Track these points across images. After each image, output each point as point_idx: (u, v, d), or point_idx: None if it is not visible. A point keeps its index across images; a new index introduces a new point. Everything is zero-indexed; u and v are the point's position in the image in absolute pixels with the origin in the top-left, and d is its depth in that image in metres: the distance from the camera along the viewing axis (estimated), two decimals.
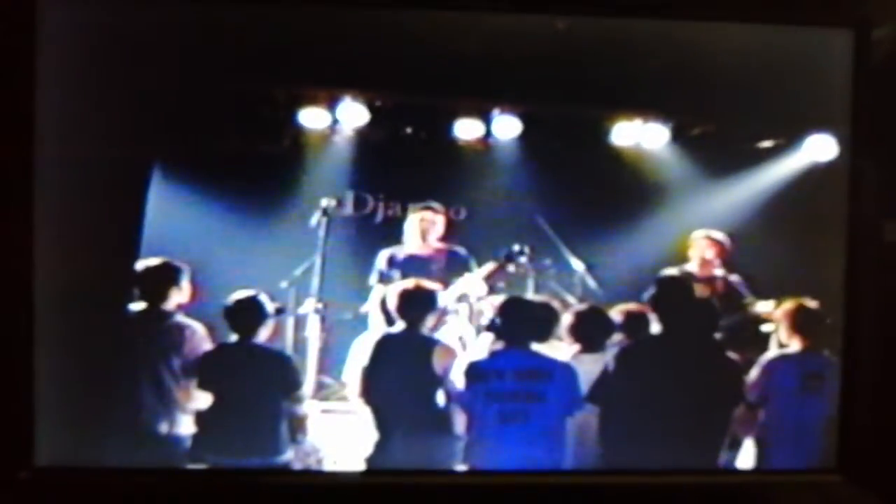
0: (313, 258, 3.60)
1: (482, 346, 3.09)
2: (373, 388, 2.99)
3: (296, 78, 3.33)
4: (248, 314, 2.99)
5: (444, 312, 3.24)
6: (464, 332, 3.53)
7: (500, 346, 3.01)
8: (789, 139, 3.48)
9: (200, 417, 2.97)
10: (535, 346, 2.97)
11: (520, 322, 3.02)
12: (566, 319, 3.10)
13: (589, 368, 2.97)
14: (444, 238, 3.71)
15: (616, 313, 3.17)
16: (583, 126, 3.73)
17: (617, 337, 3.11)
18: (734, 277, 3.62)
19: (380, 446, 2.95)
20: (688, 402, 2.98)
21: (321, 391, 3.48)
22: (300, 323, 3.55)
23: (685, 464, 2.99)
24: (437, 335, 3.08)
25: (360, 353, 3.06)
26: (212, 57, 2.95)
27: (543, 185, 3.74)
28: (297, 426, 3.03)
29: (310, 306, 3.54)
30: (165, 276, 3.04)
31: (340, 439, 3.13)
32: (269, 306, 3.03)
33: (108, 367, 2.91)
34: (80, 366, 2.85)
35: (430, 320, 3.03)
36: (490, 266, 3.62)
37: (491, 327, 3.07)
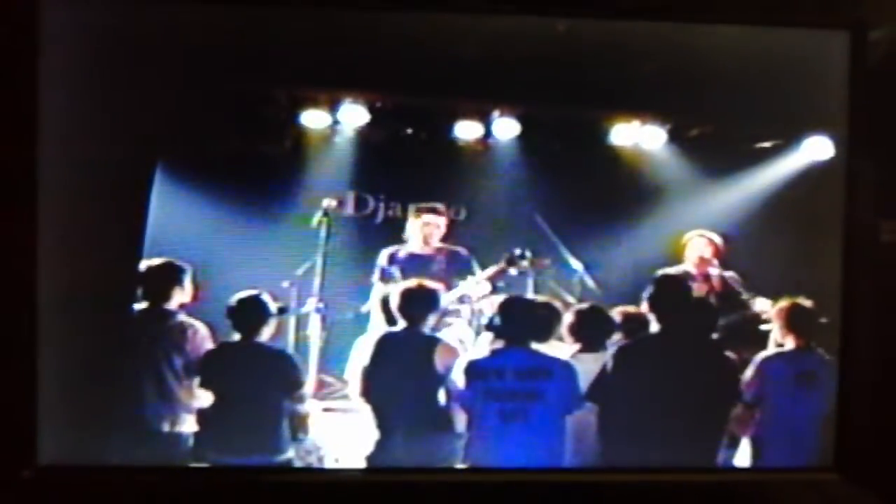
0: (314, 258, 3.62)
1: (483, 345, 3.11)
2: (374, 386, 3.01)
3: (297, 79, 3.34)
4: (251, 313, 3.01)
5: (446, 313, 3.25)
6: (464, 332, 3.55)
7: (500, 345, 3.03)
8: (786, 140, 3.50)
9: (202, 416, 2.99)
10: (536, 346, 2.99)
11: (520, 321, 3.04)
12: (567, 319, 3.12)
13: (589, 368, 2.98)
14: (446, 238, 3.73)
15: (615, 314, 3.20)
16: (582, 127, 3.74)
17: (617, 336, 3.13)
18: (731, 276, 3.64)
19: (381, 444, 2.96)
20: (686, 401, 3.00)
21: (322, 390, 3.49)
22: (301, 322, 3.56)
23: (684, 462, 3.00)
24: (439, 334, 3.10)
25: (361, 351, 3.07)
26: (214, 59, 2.96)
27: (543, 186, 3.75)
28: (299, 424, 3.04)
29: (311, 305, 3.56)
30: (168, 276, 3.06)
31: (342, 437, 3.14)
32: (272, 306, 3.05)
33: (111, 366, 2.91)
34: (82, 365, 2.86)
35: (431, 320, 3.06)
36: (492, 269, 3.64)
37: (491, 326, 3.09)
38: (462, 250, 3.69)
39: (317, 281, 3.60)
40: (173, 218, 3.34)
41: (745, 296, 3.57)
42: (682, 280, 3.53)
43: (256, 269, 3.44)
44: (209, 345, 3.03)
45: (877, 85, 2.97)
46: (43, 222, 2.77)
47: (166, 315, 3.04)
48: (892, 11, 3.02)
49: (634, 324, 3.14)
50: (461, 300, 3.65)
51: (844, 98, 2.97)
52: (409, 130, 3.75)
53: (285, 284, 3.54)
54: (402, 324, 3.05)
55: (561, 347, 3.09)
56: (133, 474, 2.91)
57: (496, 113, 3.70)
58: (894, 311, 3.04)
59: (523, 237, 3.69)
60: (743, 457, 3.11)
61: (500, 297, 3.31)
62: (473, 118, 3.71)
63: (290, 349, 3.43)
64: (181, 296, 3.07)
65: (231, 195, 3.49)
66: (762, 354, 3.11)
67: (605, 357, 3.00)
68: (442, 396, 2.98)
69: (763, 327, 3.28)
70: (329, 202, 3.63)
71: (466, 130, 3.72)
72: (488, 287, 3.66)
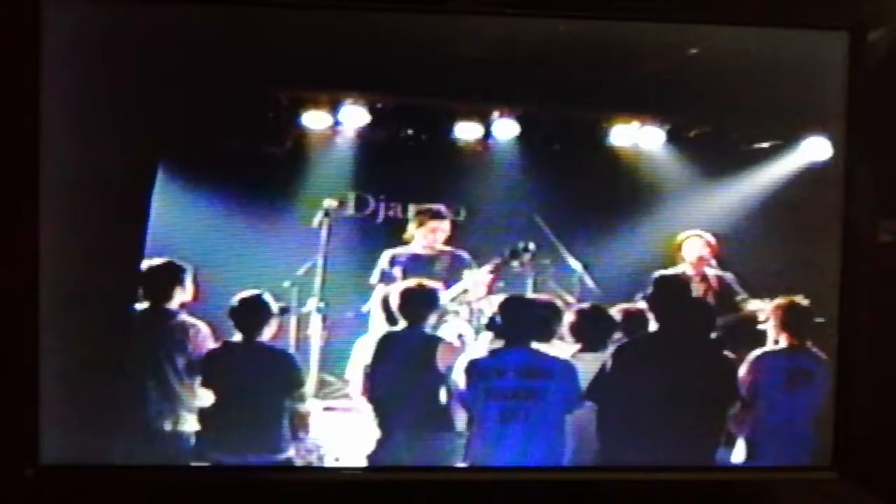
0: (315, 258, 3.63)
1: (483, 344, 3.12)
2: (375, 385, 3.02)
3: (298, 81, 3.35)
4: (253, 313, 3.03)
5: (445, 312, 3.26)
6: (463, 331, 3.55)
7: (501, 344, 3.04)
8: (785, 140, 3.50)
9: (204, 415, 3.00)
10: (537, 345, 3.00)
11: (521, 321, 3.05)
12: (568, 318, 3.13)
13: (591, 367, 3.00)
14: (447, 240, 3.74)
15: (615, 312, 3.21)
16: (582, 128, 3.74)
17: (617, 335, 3.14)
18: (728, 276, 3.65)
19: (382, 443, 2.97)
20: (685, 400, 3.01)
21: (323, 389, 3.50)
22: (302, 322, 3.57)
23: (683, 461, 3.02)
24: (439, 333, 3.11)
25: (362, 351, 3.09)
26: (215, 59, 2.97)
27: (543, 186, 3.75)
28: (299, 423, 3.05)
29: (312, 305, 3.57)
30: (169, 276, 3.07)
31: (343, 437, 3.15)
32: (274, 306, 3.06)
33: (113, 365, 2.92)
34: (84, 364, 2.87)
35: (431, 319, 3.07)
36: (494, 262, 3.65)
37: (492, 326, 3.10)
38: (464, 253, 3.70)
39: (318, 281, 3.61)
40: (174, 217, 3.34)
41: (742, 295, 3.58)
42: (681, 280, 3.54)
43: (258, 268, 3.43)
44: (211, 344, 3.04)
45: (876, 85, 2.98)
46: (44, 222, 2.79)
47: (168, 314, 3.05)
48: (892, 11, 3.04)
49: (634, 322, 3.15)
50: (461, 300, 3.65)
51: (843, 99, 2.98)
52: (410, 131, 3.75)
53: (286, 284, 3.55)
54: (402, 323, 3.06)
55: (562, 347, 3.09)
56: (135, 473, 2.92)
57: (496, 113, 3.70)
58: (893, 311, 3.06)
59: (523, 237, 3.69)
60: (738, 455, 3.12)
61: (501, 297, 3.32)
62: (473, 119, 3.71)
63: (292, 349, 3.43)
64: (182, 295, 3.08)
65: (232, 195, 3.48)
66: (755, 353, 3.12)
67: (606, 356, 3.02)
68: (443, 395, 2.99)
69: (760, 326, 3.28)
70: (330, 202, 3.64)
71: (466, 131, 3.72)
72: (488, 279, 3.66)
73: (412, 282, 3.14)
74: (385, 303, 3.16)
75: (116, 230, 2.92)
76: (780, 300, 3.18)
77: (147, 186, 3.08)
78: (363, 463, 3.00)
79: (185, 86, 2.99)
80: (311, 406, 3.15)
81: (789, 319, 3.14)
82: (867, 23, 3.01)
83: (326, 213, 3.64)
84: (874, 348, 3.06)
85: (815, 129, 3.24)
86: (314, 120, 3.58)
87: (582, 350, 3.09)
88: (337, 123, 3.63)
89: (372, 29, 2.94)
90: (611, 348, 3.06)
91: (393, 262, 3.67)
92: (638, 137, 3.79)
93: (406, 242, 3.73)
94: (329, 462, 3.09)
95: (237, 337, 3.03)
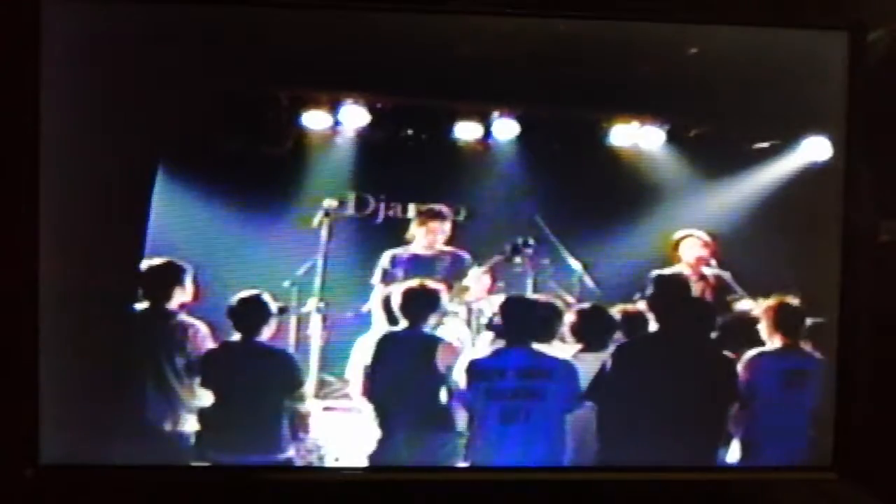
0: (315, 258, 3.64)
1: (484, 344, 3.12)
2: (376, 385, 3.02)
3: (298, 81, 3.35)
4: (252, 313, 3.03)
5: (444, 313, 3.26)
6: (461, 330, 3.55)
7: (501, 344, 3.04)
8: (785, 140, 3.50)
9: (203, 415, 3.00)
10: (538, 346, 3.00)
11: (522, 321, 3.05)
12: (569, 318, 3.13)
13: (592, 367, 3.00)
14: (449, 241, 3.75)
15: (615, 312, 3.21)
16: (581, 127, 3.75)
17: (618, 335, 3.14)
18: (727, 275, 3.66)
19: (382, 443, 2.97)
20: (684, 400, 3.01)
21: (323, 389, 3.51)
22: (302, 322, 3.58)
23: (682, 461, 3.02)
24: (439, 333, 3.11)
25: (363, 351, 3.09)
26: (215, 59, 2.97)
27: (542, 186, 3.75)
28: (299, 423, 3.06)
29: (312, 305, 3.57)
30: (169, 276, 3.07)
31: (343, 437, 3.15)
32: (273, 305, 3.06)
33: (113, 365, 2.92)
34: (84, 364, 2.87)
35: (432, 319, 3.07)
36: (495, 259, 3.65)
37: (492, 326, 3.11)
38: (464, 254, 3.71)
39: (318, 281, 3.62)
40: (174, 218, 3.34)
41: (739, 294, 3.58)
42: (682, 280, 3.54)
43: (257, 268, 3.44)
44: (210, 344, 3.04)
45: (876, 85, 2.98)
46: (44, 222, 2.79)
47: (167, 315, 3.05)
48: (892, 11, 3.04)
49: (634, 322, 3.15)
50: (460, 300, 3.66)
51: (843, 99, 2.98)
52: (410, 131, 3.75)
53: (286, 284, 3.56)
54: (403, 323, 3.06)
55: (563, 347, 3.10)
56: (134, 473, 2.92)
57: (496, 113, 3.71)
58: (892, 311, 3.06)
59: (523, 237, 3.70)
60: (737, 455, 3.12)
61: (501, 298, 3.32)
62: (473, 119, 3.71)
63: (291, 349, 3.44)
64: (182, 295, 3.08)
65: (232, 195, 3.49)
66: (750, 353, 3.13)
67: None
68: (443, 395, 3.00)
69: (759, 326, 3.28)
70: (330, 202, 3.65)
71: (466, 131, 3.73)
72: (488, 281, 3.67)
73: (414, 282, 3.14)
74: (386, 303, 3.16)
75: (116, 230, 2.92)
76: (771, 300, 3.18)
77: (147, 186, 3.08)
78: (363, 463, 3.00)
79: (185, 86, 2.98)
80: (311, 406, 3.15)
81: (781, 320, 3.14)
82: (867, 23, 3.01)
83: (326, 213, 3.65)
84: (874, 348, 3.07)
85: (815, 129, 3.24)
86: (314, 120, 3.58)
87: (583, 350, 3.09)
88: (337, 123, 3.63)
89: (372, 29, 2.94)
90: (612, 348, 3.06)
91: (393, 262, 3.67)
92: (638, 137, 3.79)
93: (407, 242, 3.73)
94: (329, 462, 3.09)
95: (236, 337, 3.02)
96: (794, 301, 3.15)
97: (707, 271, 3.71)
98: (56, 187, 2.81)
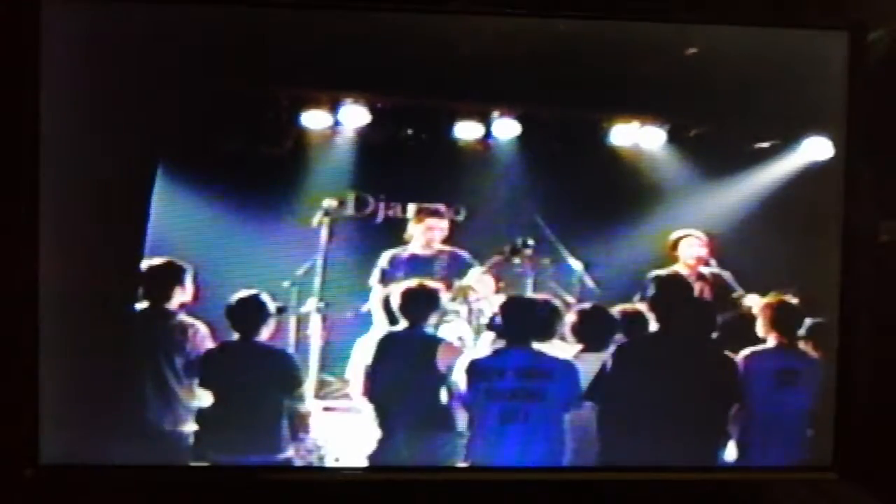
0: (315, 258, 3.64)
1: (484, 344, 3.12)
2: (376, 385, 3.02)
3: (298, 81, 3.35)
4: (250, 313, 3.02)
5: (445, 313, 3.27)
6: (463, 329, 3.56)
7: (501, 344, 3.04)
8: (786, 140, 3.50)
9: (202, 415, 3.00)
10: (538, 346, 3.00)
11: (521, 321, 3.05)
12: (570, 318, 3.13)
13: (594, 368, 3.00)
14: (447, 240, 3.75)
15: (615, 312, 3.21)
16: (582, 127, 3.75)
17: (619, 335, 3.14)
18: (726, 274, 3.66)
19: (382, 443, 2.97)
20: (685, 400, 3.01)
21: (323, 389, 3.51)
22: (302, 322, 3.58)
23: (682, 461, 3.02)
24: (441, 333, 3.12)
25: (363, 351, 3.09)
26: (215, 59, 2.97)
27: (542, 186, 3.75)
28: (299, 423, 3.06)
29: (311, 305, 3.57)
30: (169, 276, 3.07)
31: (343, 437, 3.16)
32: (271, 305, 3.06)
33: (112, 365, 2.92)
34: (84, 364, 2.87)
35: (432, 319, 3.07)
36: (494, 259, 3.66)
37: (492, 326, 3.11)
38: (464, 253, 3.71)
39: (317, 281, 3.62)
40: (174, 218, 3.35)
41: (737, 294, 3.58)
42: (682, 279, 3.54)
43: (257, 268, 3.44)
44: (209, 344, 3.04)
45: (876, 85, 2.98)
46: (44, 222, 2.79)
47: (167, 315, 3.05)
48: (892, 11, 3.04)
49: (635, 322, 3.15)
50: (460, 300, 3.66)
51: (844, 99, 2.98)
52: (410, 131, 3.75)
53: (286, 284, 3.56)
54: (403, 323, 3.06)
55: (564, 348, 3.10)
56: (134, 473, 2.93)
57: (496, 113, 3.71)
58: (892, 311, 3.06)
59: (523, 237, 3.70)
60: (737, 455, 3.12)
61: (502, 297, 3.32)
62: (473, 118, 3.71)
63: (291, 349, 3.44)
64: (182, 295, 3.08)
65: (232, 195, 3.49)
66: (745, 352, 3.12)
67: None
68: (443, 396, 3.00)
69: (756, 324, 3.29)
70: (330, 202, 3.65)
71: (466, 131, 3.73)
72: (491, 283, 3.67)
73: (414, 282, 3.14)
74: (386, 303, 3.16)
75: (116, 230, 2.92)
76: (768, 299, 3.18)
77: (147, 186, 3.08)
78: (363, 463, 3.00)
79: (185, 86, 2.99)
80: (311, 406, 3.15)
81: (778, 318, 3.14)
82: (867, 23, 3.01)
83: (326, 213, 3.65)
84: (874, 348, 3.07)
85: (815, 129, 3.24)
86: (314, 120, 3.58)
87: (584, 350, 3.09)
88: (337, 123, 3.63)
89: (372, 29, 2.94)
90: (612, 348, 3.06)
91: (392, 262, 3.67)
92: (638, 137, 3.79)
93: (406, 243, 3.73)
94: (329, 462, 3.09)
95: (235, 337, 3.02)
96: (791, 300, 3.15)
97: (707, 271, 3.71)
98: (56, 187, 2.81)
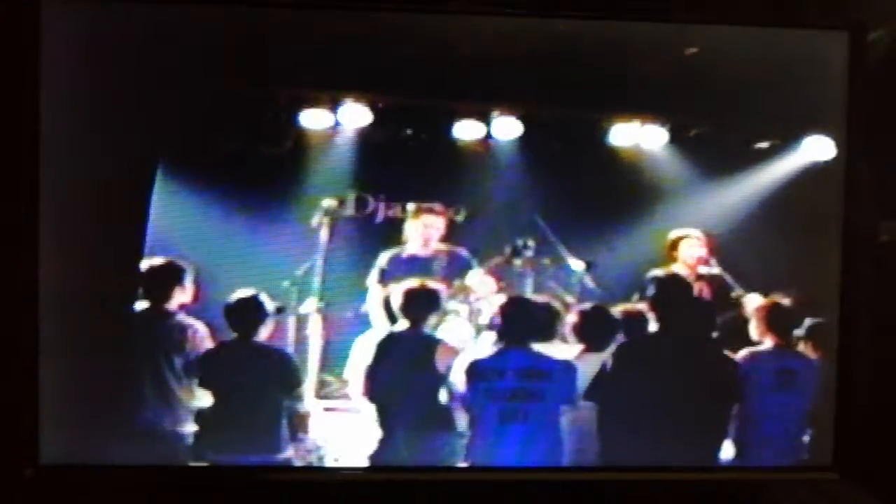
0: (315, 258, 3.64)
1: (484, 345, 3.12)
2: (376, 385, 3.03)
3: (298, 81, 3.35)
4: (248, 313, 3.03)
5: (446, 313, 3.27)
6: (464, 330, 3.56)
7: (501, 345, 3.04)
8: (786, 140, 3.50)
9: (202, 415, 3.00)
10: (538, 346, 3.00)
11: (521, 322, 3.05)
12: (570, 319, 3.13)
13: (595, 368, 3.00)
14: (446, 239, 3.74)
15: (616, 312, 3.21)
16: (582, 127, 3.75)
17: (620, 335, 3.14)
18: (726, 276, 3.66)
19: (382, 443, 2.98)
20: (685, 400, 3.01)
21: (323, 389, 3.51)
22: (301, 322, 3.58)
23: (683, 461, 3.02)
24: (439, 334, 3.12)
25: (362, 351, 3.09)
26: (215, 59, 2.97)
27: (543, 186, 3.75)
28: (298, 424, 3.06)
29: (311, 305, 3.57)
30: (169, 276, 3.07)
31: (343, 437, 3.16)
32: (270, 305, 3.07)
33: (112, 365, 2.93)
34: (84, 364, 2.87)
35: (432, 319, 3.07)
36: (495, 261, 3.65)
37: (492, 327, 3.11)
38: (463, 251, 3.70)
39: (317, 281, 3.62)
40: (174, 217, 3.34)
41: (736, 294, 3.58)
42: (682, 280, 3.54)
43: (257, 268, 3.44)
44: (208, 344, 3.05)
45: (876, 85, 2.98)
46: (44, 222, 2.79)
47: (166, 315, 3.05)
48: (892, 11, 3.04)
49: (635, 322, 3.15)
50: (461, 300, 3.66)
51: (844, 99, 2.98)
52: (410, 131, 3.75)
53: (286, 284, 3.56)
54: (403, 323, 3.06)
55: (565, 348, 3.10)
56: (133, 473, 2.93)
57: (496, 113, 3.70)
58: (892, 311, 3.06)
59: (523, 237, 3.70)
60: (736, 455, 3.12)
61: (502, 298, 3.32)
62: (473, 118, 3.71)
63: (291, 349, 3.44)
64: (182, 296, 3.08)
65: (232, 195, 3.48)
66: (743, 352, 3.12)
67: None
68: (443, 396, 3.00)
69: (751, 325, 3.29)
70: (330, 202, 3.65)
71: (467, 130, 3.72)
72: (493, 284, 3.67)
73: (414, 282, 3.14)
74: (386, 303, 3.16)
75: (116, 230, 2.93)
76: (763, 300, 3.18)
77: (147, 186, 3.08)
78: (363, 463, 3.00)
79: (185, 86, 2.99)
80: (311, 406, 3.15)
81: (771, 320, 3.14)
82: (867, 23, 3.01)
83: (326, 213, 3.65)
84: (874, 348, 3.07)
85: (815, 129, 3.24)
86: (314, 120, 3.58)
87: (586, 351, 3.09)
88: (337, 123, 3.62)
89: (372, 29, 2.94)
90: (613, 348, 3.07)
91: (390, 262, 3.67)
92: (638, 137, 3.79)
93: (404, 242, 3.73)
94: (329, 462, 3.09)
95: (234, 337, 3.02)
96: (784, 301, 3.15)
97: (706, 271, 3.71)
98: (56, 187, 2.81)
